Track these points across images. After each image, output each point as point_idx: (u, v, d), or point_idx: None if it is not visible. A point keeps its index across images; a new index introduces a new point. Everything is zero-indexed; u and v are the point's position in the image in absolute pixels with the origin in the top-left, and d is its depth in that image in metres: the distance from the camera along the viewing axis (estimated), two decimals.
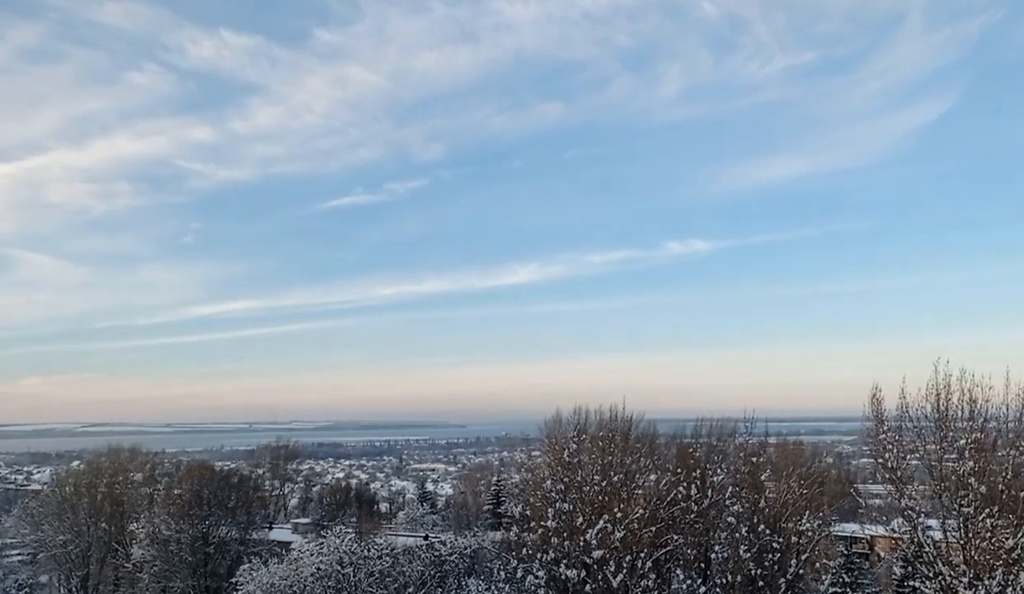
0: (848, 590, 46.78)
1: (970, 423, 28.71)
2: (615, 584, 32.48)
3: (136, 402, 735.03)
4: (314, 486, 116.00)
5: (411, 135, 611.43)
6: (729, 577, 35.18)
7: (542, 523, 34.64)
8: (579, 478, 35.02)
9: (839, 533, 51.72)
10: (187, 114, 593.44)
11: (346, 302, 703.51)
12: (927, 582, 29.70)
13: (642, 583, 32.67)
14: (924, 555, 29.90)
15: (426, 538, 64.08)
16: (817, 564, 41.76)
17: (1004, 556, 27.41)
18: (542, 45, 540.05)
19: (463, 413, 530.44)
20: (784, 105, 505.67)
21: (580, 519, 33.52)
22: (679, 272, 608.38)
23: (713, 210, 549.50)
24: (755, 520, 35.47)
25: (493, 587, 42.81)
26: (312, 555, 44.55)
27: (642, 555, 33.35)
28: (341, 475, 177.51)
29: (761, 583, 34.79)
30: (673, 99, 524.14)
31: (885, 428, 31.00)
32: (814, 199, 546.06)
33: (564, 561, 33.33)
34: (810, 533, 37.59)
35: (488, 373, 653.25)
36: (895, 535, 35.17)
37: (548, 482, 36.53)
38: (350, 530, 51.61)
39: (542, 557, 33.80)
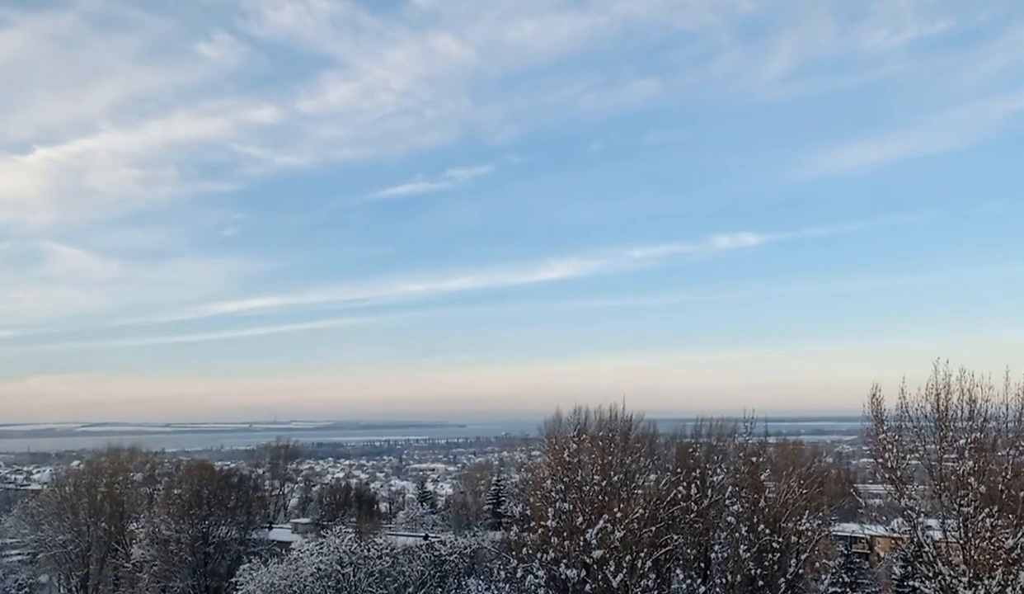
0: (848, 590, 46.79)
1: (970, 423, 28.70)
2: (615, 584, 32.49)
3: (136, 402, 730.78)
4: (314, 486, 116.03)
5: (488, 116, 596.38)
6: (729, 577, 35.17)
7: (542, 523, 34.64)
8: (579, 478, 35.02)
9: (839, 533, 51.72)
10: (253, 92, 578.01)
11: (372, 299, 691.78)
12: (927, 582, 29.70)
13: (642, 583, 32.67)
14: (924, 555, 29.90)
15: (426, 538, 64.10)
16: (817, 564, 41.70)
17: (1004, 556, 27.40)
18: (654, 11, 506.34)
19: (463, 413, 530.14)
20: (898, 82, 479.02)
21: (580, 519, 33.52)
22: (703, 270, 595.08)
23: (774, 200, 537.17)
24: (755, 520, 35.45)
25: (493, 587, 42.84)
26: (312, 555, 44.56)
27: (642, 555, 33.34)
28: (341, 475, 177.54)
29: (761, 583, 34.78)
30: (778, 77, 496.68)
31: (885, 428, 31.00)
32: (880, 190, 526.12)
33: (564, 561, 33.33)
34: (810, 533, 37.58)
35: (489, 373, 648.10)
36: (895, 535, 35.26)
37: (548, 482, 36.53)
38: (350, 530, 51.59)
39: (542, 557, 33.80)
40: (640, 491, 35.57)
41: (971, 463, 28.04)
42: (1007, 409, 28.69)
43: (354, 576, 43.07)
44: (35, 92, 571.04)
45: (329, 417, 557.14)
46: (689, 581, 35.77)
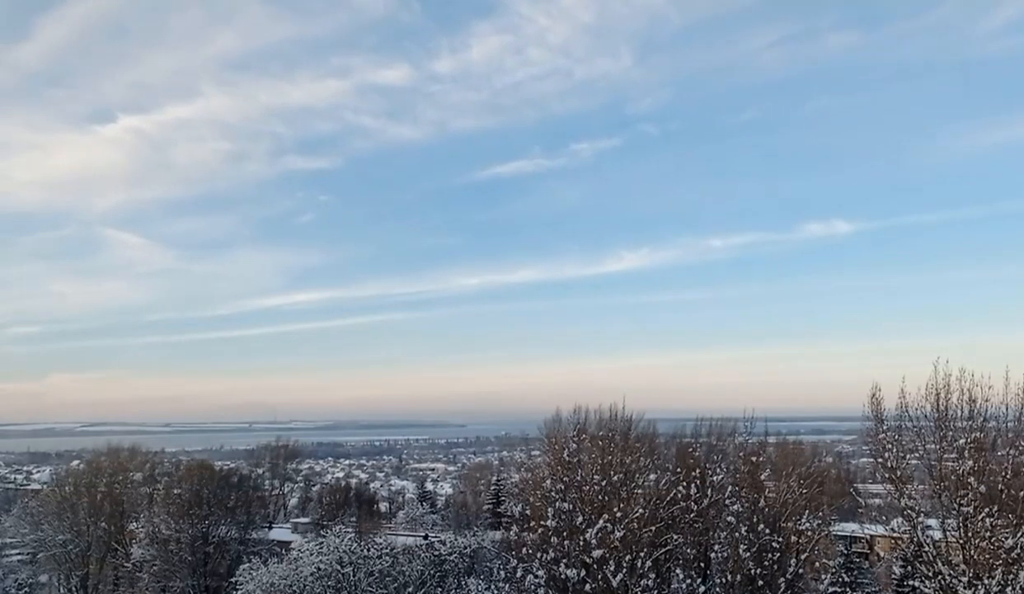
0: (848, 590, 46.76)
1: (969, 422, 28.72)
2: (615, 583, 32.48)
3: (135, 402, 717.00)
4: (314, 486, 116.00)
5: (643, 77, 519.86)
6: (729, 576, 35.17)
7: (542, 522, 34.63)
8: (579, 477, 35.01)
9: (839, 533, 51.71)
10: (389, 47, 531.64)
11: (421, 293, 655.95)
12: (926, 582, 29.70)
13: (642, 582, 32.67)
14: (924, 554, 29.90)
15: (426, 537, 64.15)
16: (817, 563, 41.69)
17: (1003, 555, 27.41)
18: None
19: (463, 413, 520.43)
20: None
21: (580, 518, 33.51)
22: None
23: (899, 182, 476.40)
24: (755, 519, 35.45)
25: (493, 586, 42.87)
26: (312, 555, 44.59)
27: (642, 554, 33.34)
28: (341, 475, 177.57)
29: (761, 582, 34.77)
30: (1003, 27, 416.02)
31: (885, 428, 31.01)
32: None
33: (564, 560, 33.32)
34: (810, 532, 37.60)
35: (489, 372, 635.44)
36: (895, 535, 35.16)
37: (548, 481, 36.53)
38: (350, 530, 51.68)
39: (542, 556, 33.80)
40: (640, 491, 35.57)
41: (971, 463, 28.05)
42: (1007, 409, 28.74)
43: (354, 576, 43.10)
44: (134, 47, 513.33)
45: (329, 417, 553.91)
46: (689, 581, 35.78)
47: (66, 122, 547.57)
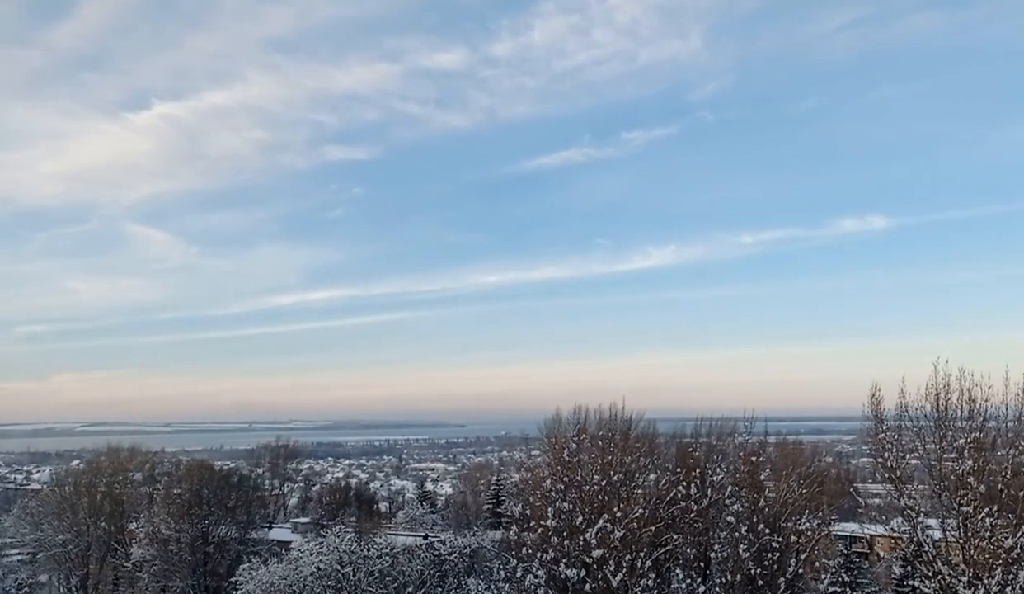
0: (847, 589, 46.76)
1: (969, 422, 28.73)
2: (615, 583, 32.49)
3: (135, 402, 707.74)
4: (314, 485, 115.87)
5: (709, 60, 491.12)
6: (728, 576, 35.18)
7: (542, 522, 34.64)
8: (579, 477, 35.02)
9: (839, 532, 51.75)
10: (447, 28, 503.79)
11: (435, 292, 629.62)
12: (926, 581, 29.71)
13: (642, 582, 32.67)
14: (923, 554, 29.91)
15: (426, 537, 64.11)
16: (816, 563, 41.73)
17: (1003, 555, 27.41)
18: None
19: (463, 413, 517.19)
20: None
21: (580, 518, 33.52)
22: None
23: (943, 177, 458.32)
24: (754, 519, 35.47)
25: (493, 586, 42.90)
26: (312, 554, 44.60)
27: (642, 554, 33.34)
28: (341, 474, 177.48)
29: (760, 582, 34.78)
30: None
31: (885, 427, 31.02)
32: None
33: (564, 560, 33.33)
34: (809, 532, 37.62)
35: (490, 373, 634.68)
36: (894, 534, 35.20)
37: (548, 481, 36.55)
38: (350, 529, 51.59)
39: (542, 556, 33.81)
40: (640, 491, 35.60)
41: (971, 463, 28.06)
42: (1007, 409, 28.76)
43: (354, 576, 43.10)
44: (178, 27, 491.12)
45: (329, 417, 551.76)
46: (689, 581, 35.82)
47: (98, 108, 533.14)
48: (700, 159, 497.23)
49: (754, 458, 37.95)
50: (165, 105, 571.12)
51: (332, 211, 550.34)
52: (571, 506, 34.07)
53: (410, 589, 44.52)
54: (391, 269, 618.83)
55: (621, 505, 33.67)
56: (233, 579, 49.48)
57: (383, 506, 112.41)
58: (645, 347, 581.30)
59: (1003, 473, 27.98)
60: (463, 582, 50.17)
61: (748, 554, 34.86)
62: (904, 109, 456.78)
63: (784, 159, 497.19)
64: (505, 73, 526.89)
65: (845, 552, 49.08)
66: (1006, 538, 27.47)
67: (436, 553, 52.44)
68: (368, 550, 45.42)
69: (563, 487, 35.01)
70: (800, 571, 36.64)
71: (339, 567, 43.30)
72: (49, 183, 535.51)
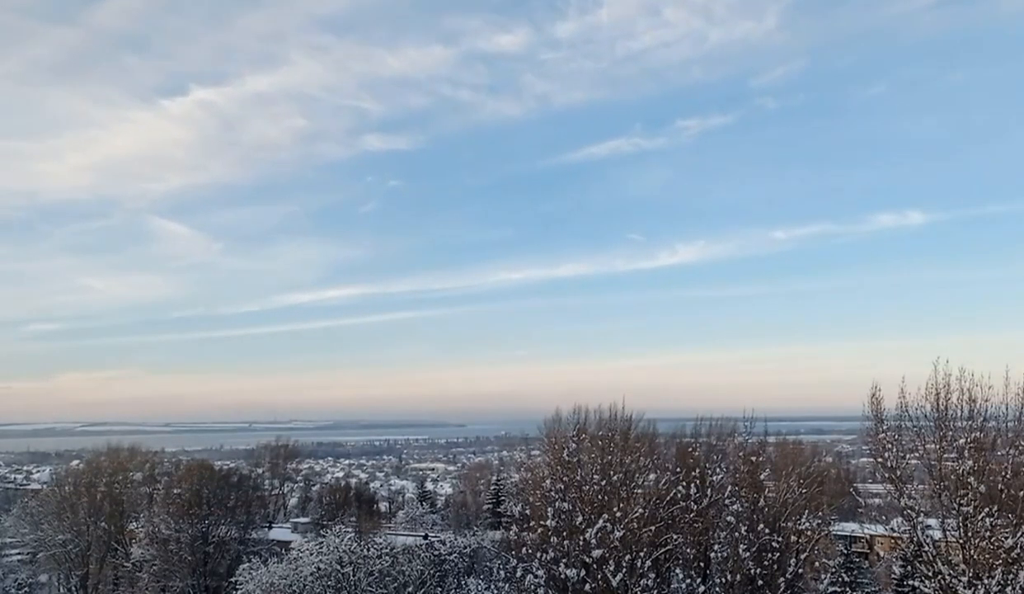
0: (847, 589, 46.75)
1: (969, 422, 28.73)
2: (614, 583, 32.48)
3: (135, 402, 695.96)
4: (314, 485, 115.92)
5: (781, 42, 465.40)
6: (728, 576, 35.18)
7: (542, 522, 34.64)
8: (579, 477, 35.01)
9: (838, 532, 51.77)
10: (512, 7, 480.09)
11: (454, 289, 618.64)
12: (926, 581, 29.71)
13: (641, 582, 32.67)
14: (923, 554, 29.92)
15: (426, 537, 64.15)
16: (816, 563, 41.76)
17: (1003, 555, 27.41)
18: None
19: (463, 413, 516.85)
20: None
21: (580, 518, 33.51)
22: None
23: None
24: (754, 519, 35.48)
25: (492, 586, 42.90)
26: (312, 554, 44.59)
27: (641, 554, 33.34)
28: (341, 474, 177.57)
29: (760, 582, 34.79)
30: None
31: (885, 427, 31.01)
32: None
33: (564, 560, 33.33)
34: (809, 532, 37.64)
35: (489, 373, 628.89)
36: (894, 534, 35.22)
37: (548, 481, 36.54)
38: (349, 529, 51.59)
39: (542, 556, 33.81)
40: (640, 491, 35.58)
41: (971, 462, 28.06)
42: (1007, 409, 28.78)
43: (354, 575, 43.08)
44: (227, 4, 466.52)
45: (329, 417, 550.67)
46: (689, 580, 35.81)
47: (135, 95, 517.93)
48: (749, 151, 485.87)
49: (754, 458, 37.95)
50: (203, 91, 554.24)
51: (364, 205, 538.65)
52: (571, 506, 34.07)
53: (410, 589, 44.51)
54: (411, 266, 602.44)
55: (621, 505, 33.66)
56: (233, 579, 49.48)
57: (383, 506, 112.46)
58: (646, 347, 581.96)
59: (1003, 473, 27.98)
60: (463, 582, 50.19)
61: (748, 554, 34.87)
62: (976, 96, 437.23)
63: (835, 149, 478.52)
64: (566, 56, 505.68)
65: (845, 552, 49.07)
66: (1006, 538, 27.47)
67: (436, 553, 52.46)
68: (368, 550, 45.41)
69: (563, 487, 35.01)
70: (800, 571, 36.66)
71: (339, 567, 43.29)
72: (76, 175, 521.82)
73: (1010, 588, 27.23)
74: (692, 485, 36.55)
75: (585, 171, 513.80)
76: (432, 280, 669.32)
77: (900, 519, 31.65)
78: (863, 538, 54.51)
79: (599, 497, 33.98)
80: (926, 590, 29.70)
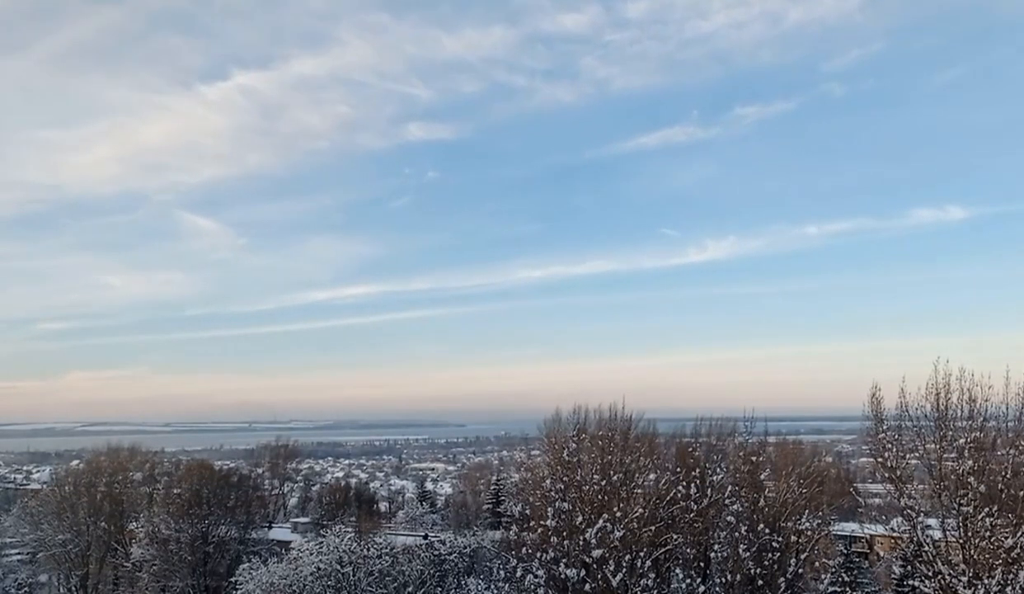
0: (847, 589, 46.73)
1: (969, 422, 28.72)
2: (615, 583, 32.47)
3: (135, 402, 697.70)
4: (313, 485, 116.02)
5: (867, 20, 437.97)
6: (728, 576, 35.18)
7: (542, 522, 34.63)
8: (578, 477, 35.00)
9: (838, 532, 51.77)
10: None
11: (470, 287, 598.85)
12: (926, 581, 29.70)
13: (641, 582, 32.66)
14: (923, 554, 29.90)
15: (425, 537, 64.12)
16: (816, 563, 41.75)
17: (1003, 555, 27.40)
18: None
19: (463, 413, 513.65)
20: None
21: (579, 518, 33.50)
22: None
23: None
24: (754, 519, 35.48)
25: (492, 586, 42.86)
26: (312, 554, 44.62)
27: (641, 554, 33.34)
28: (340, 474, 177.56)
29: (760, 582, 34.79)
30: None
31: (885, 427, 31.00)
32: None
33: (564, 560, 33.31)
34: (809, 532, 37.62)
35: (489, 372, 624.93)
36: (894, 534, 35.20)
37: (547, 481, 36.52)
38: (349, 529, 51.59)
39: (541, 556, 33.80)
40: (640, 490, 35.57)
41: (971, 462, 28.05)
42: (1007, 409, 28.74)
43: (354, 575, 43.11)
44: None
45: (329, 417, 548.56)
46: (689, 580, 35.79)
47: (173, 79, 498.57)
48: (801, 142, 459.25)
49: (754, 458, 37.95)
50: (245, 75, 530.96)
51: (399, 199, 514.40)
52: (571, 506, 34.05)
53: (410, 589, 44.52)
54: (431, 263, 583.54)
55: (621, 505, 33.65)
56: (233, 579, 49.51)
57: (383, 506, 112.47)
58: (646, 347, 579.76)
59: (1003, 473, 27.96)
60: (463, 582, 50.17)
61: (748, 554, 34.86)
62: None
63: (888, 141, 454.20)
64: (632, 37, 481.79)
65: (845, 552, 49.06)
66: (1006, 538, 27.45)
67: (436, 553, 52.45)
68: (368, 550, 45.44)
69: (563, 487, 35.00)
70: (800, 571, 36.65)
71: (339, 567, 43.32)
72: (104, 167, 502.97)
73: (1010, 588, 27.21)
74: (692, 485, 36.54)
75: (631, 162, 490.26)
76: (450, 278, 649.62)
77: (900, 519, 31.63)
78: (863, 538, 54.47)
79: (599, 497, 33.97)
80: (926, 590, 29.69)
